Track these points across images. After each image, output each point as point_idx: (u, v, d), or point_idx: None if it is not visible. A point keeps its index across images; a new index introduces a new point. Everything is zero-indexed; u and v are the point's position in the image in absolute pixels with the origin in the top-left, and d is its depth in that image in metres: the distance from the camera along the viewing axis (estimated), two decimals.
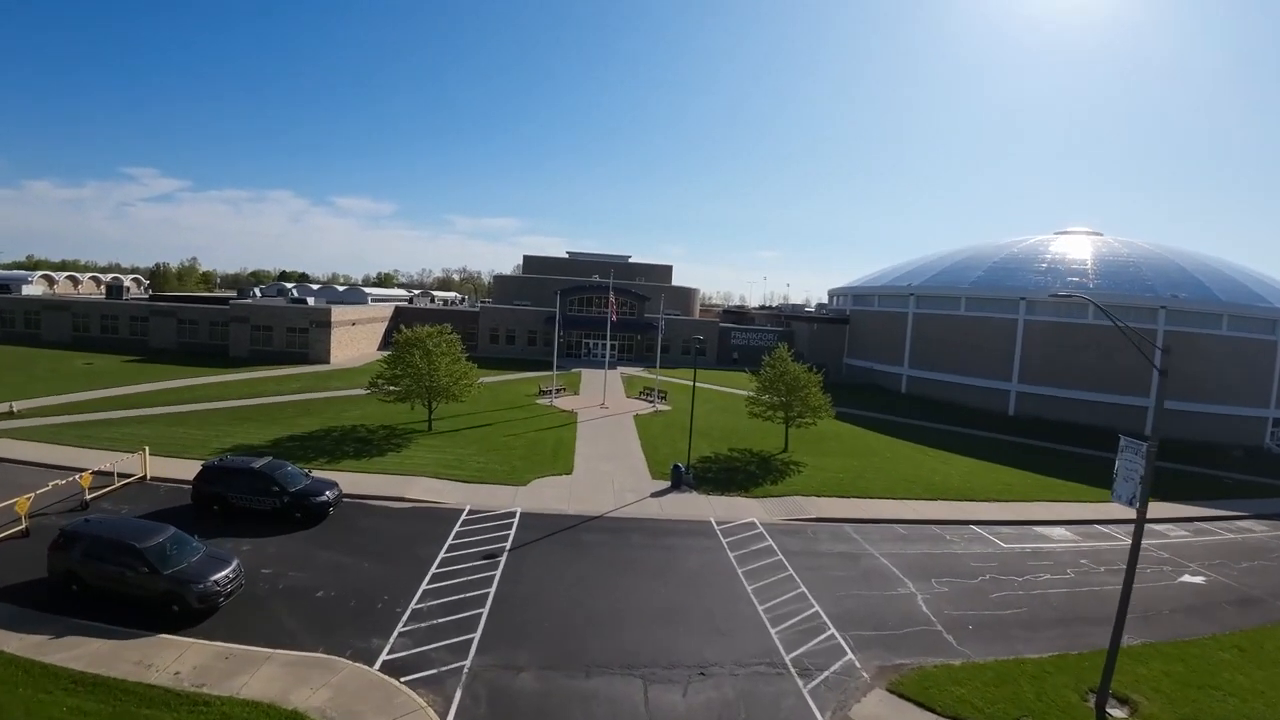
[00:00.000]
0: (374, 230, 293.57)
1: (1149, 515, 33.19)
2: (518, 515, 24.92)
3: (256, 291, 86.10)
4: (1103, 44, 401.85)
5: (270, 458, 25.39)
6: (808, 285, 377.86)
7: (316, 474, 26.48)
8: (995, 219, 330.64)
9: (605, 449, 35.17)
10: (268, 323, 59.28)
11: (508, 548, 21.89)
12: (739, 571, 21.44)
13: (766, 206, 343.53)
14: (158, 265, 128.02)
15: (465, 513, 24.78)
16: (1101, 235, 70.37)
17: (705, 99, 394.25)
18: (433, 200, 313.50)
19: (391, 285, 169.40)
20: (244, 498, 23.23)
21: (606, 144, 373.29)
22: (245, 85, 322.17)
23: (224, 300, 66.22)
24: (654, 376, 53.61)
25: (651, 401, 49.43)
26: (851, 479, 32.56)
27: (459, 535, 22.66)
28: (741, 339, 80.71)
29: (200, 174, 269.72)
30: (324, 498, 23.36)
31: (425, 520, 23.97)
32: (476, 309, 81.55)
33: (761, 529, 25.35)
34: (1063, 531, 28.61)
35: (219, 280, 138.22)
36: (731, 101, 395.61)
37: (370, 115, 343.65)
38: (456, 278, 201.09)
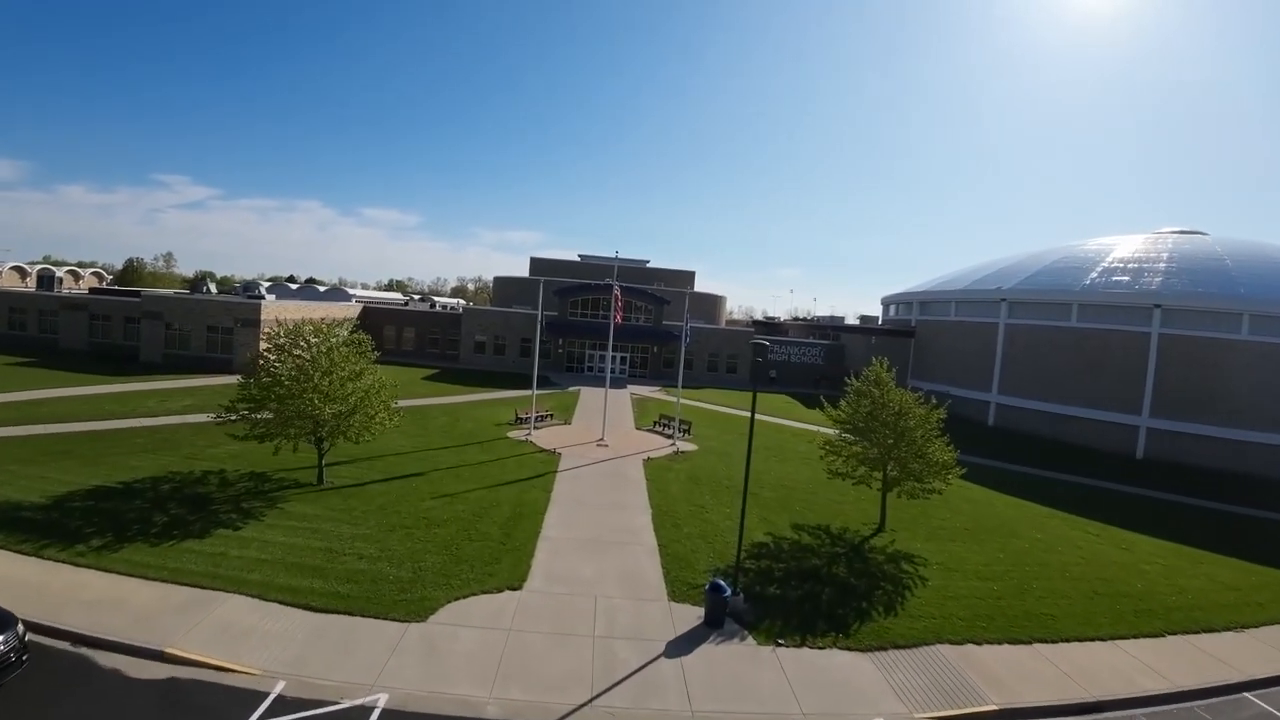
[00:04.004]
0: (399, 241, 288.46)
1: None
2: (374, 718, 11.64)
3: (211, 287, 74.21)
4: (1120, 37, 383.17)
5: None
6: (833, 302, 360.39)
7: (26, 590, 13.83)
8: (1020, 229, 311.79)
9: (593, 528, 21.47)
10: (184, 321, 46.70)
11: None
12: None
13: (786, 222, 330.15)
14: (130, 261, 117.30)
15: (263, 708, 11.46)
16: (1207, 235, 57.03)
17: (720, 107, 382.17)
18: (458, 213, 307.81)
19: (403, 291, 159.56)
20: None
21: (627, 153, 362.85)
22: (279, 97, 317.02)
23: (139, 293, 54.03)
24: (674, 400, 40.27)
25: (670, 436, 36.01)
26: (1014, 593, 18.91)
27: None
28: (781, 354, 67.04)
29: (231, 183, 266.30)
30: None
31: None
32: (459, 311, 69.07)
33: None
34: None
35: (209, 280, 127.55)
36: (749, 110, 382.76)
37: (400, 126, 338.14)
38: (471, 286, 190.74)
